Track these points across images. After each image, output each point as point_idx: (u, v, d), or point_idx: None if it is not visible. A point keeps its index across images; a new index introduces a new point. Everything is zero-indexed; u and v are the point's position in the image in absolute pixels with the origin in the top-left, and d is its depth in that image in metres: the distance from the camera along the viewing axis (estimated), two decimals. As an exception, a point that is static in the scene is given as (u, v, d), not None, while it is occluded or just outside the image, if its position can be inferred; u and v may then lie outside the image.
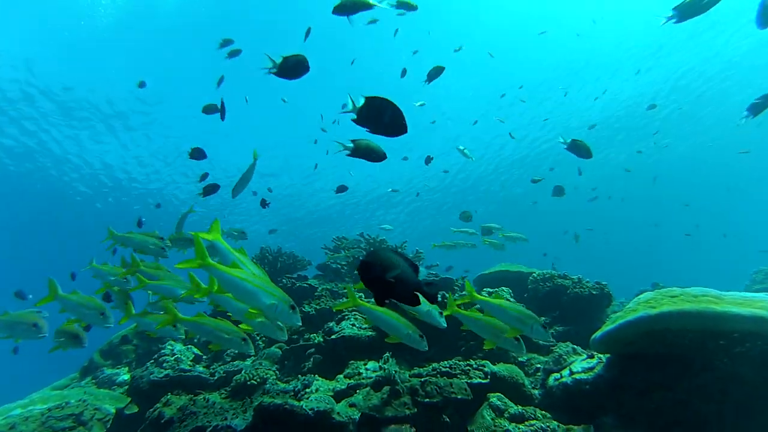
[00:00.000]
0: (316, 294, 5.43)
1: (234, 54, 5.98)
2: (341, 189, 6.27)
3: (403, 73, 7.32)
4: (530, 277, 5.56)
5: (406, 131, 2.26)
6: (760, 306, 2.40)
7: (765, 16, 2.99)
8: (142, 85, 8.31)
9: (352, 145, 2.60)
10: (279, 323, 2.50)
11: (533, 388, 3.71)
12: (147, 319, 3.26)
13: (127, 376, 5.01)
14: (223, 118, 4.75)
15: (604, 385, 2.94)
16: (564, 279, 5.12)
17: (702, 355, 2.63)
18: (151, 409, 3.42)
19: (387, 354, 3.46)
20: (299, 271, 6.35)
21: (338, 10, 3.13)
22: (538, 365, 4.08)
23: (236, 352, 4.55)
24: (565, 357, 3.78)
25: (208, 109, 5.15)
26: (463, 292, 4.03)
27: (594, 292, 4.77)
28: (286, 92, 13.83)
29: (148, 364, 4.55)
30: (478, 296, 2.78)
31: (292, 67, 2.62)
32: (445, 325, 2.73)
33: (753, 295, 2.65)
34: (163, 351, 4.65)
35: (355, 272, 6.76)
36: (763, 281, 9.00)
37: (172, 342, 4.95)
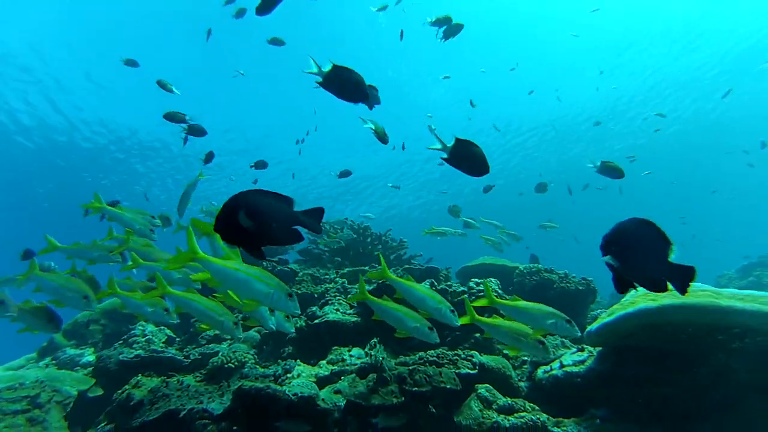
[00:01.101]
0: (297, 278, 5.25)
1: (240, 14, 5.72)
2: (344, 174, 6.09)
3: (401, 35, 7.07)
4: (516, 271, 5.52)
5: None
6: (762, 302, 2.37)
7: None
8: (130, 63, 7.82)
9: (448, 145, 2.25)
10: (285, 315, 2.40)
11: (520, 380, 3.65)
12: (134, 299, 2.96)
13: (92, 357, 4.71)
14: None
15: (596, 378, 2.89)
16: (550, 273, 5.09)
17: (698, 350, 2.60)
18: (120, 391, 3.18)
19: (375, 339, 3.32)
20: (280, 255, 6.13)
21: None
22: (525, 357, 4.02)
23: (213, 334, 4.33)
24: (554, 350, 3.73)
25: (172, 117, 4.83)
26: (466, 298, 3.92)
27: (580, 288, 4.75)
28: (270, 62, 13.57)
29: (117, 344, 4.28)
30: (498, 300, 2.67)
31: (345, 85, 2.23)
32: (458, 323, 2.57)
33: (751, 291, 2.63)
34: (133, 332, 4.38)
35: (337, 259, 6.59)
36: (726, 286, 9.29)
37: (144, 323, 4.69)
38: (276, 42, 6.25)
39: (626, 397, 2.86)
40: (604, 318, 2.72)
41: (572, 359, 3.14)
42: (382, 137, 2.97)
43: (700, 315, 2.30)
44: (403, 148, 7.29)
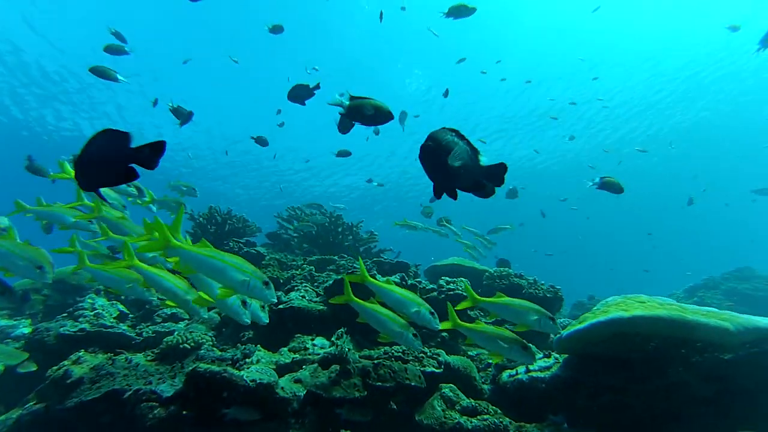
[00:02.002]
0: (263, 262, 5.05)
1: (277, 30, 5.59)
2: (343, 153, 5.98)
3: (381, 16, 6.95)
4: (486, 273, 5.52)
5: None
6: (725, 318, 2.42)
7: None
8: (155, 103, 7.34)
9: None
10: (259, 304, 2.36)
11: (484, 382, 3.62)
12: (107, 272, 2.69)
13: (28, 330, 4.32)
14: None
15: (560, 384, 2.89)
16: (520, 279, 5.12)
17: (659, 361, 2.63)
18: (55, 368, 2.90)
19: (341, 330, 3.20)
20: (248, 236, 5.90)
21: None
22: (490, 360, 4.01)
23: (170, 313, 4.08)
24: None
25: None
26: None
27: (548, 295, 4.79)
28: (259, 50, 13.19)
29: (60, 317, 3.95)
30: (480, 298, 2.64)
31: (365, 112, 2.35)
32: (439, 327, 2.50)
33: (711, 308, 2.70)
34: (80, 304, 4.07)
35: (305, 246, 6.41)
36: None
37: (94, 295, 4.37)
38: (277, 29, 5.96)
39: (586, 404, 2.88)
40: (576, 325, 2.72)
41: (538, 365, 3.13)
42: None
43: (668, 327, 2.32)
44: (377, 133, 7.16)
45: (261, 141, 5.93)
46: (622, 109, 17.20)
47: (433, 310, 2.51)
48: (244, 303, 2.35)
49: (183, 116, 4.36)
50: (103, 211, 2.92)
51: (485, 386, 3.56)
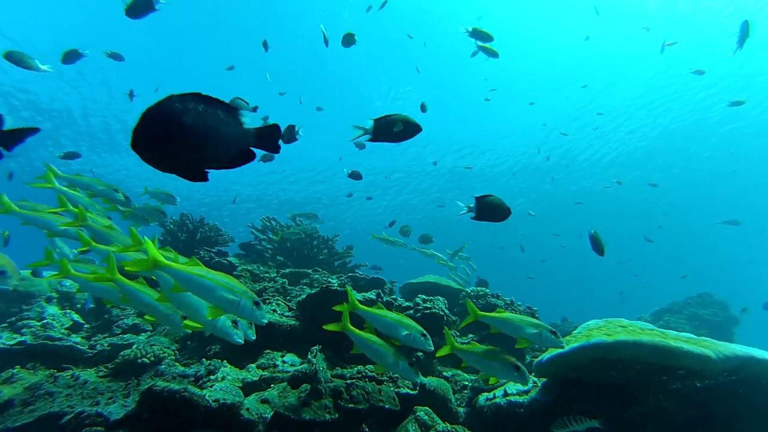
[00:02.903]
0: (235, 273, 4.84)
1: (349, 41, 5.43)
2: (355, 176, 5.91)
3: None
4: (463, 292, 5.45)
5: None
6: (706, 346, 2.40)
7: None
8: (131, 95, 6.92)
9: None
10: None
11: (459, 405, 3.51)
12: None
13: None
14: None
15: (538, 409, 2.80)
16: (497, 299, 5.07)
17: (639, 388, 2.59)
18: (-18, 387, 2.60)
19: (316, 347, 3.04)
20: (220, 246, 5.66)
21: None
22: (466, 382, 3.90)
23: (131, 324, 3.80)
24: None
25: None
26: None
27: (524, 316, 4.75)
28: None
29: None
30: (482, 313, 2.57)
31: (395, 131, 2.35)
32: (431, 348, 2.41)
33: (689, 335, 2.69)
34: (26, 314, 3.74)
35: (279, 258, 6.21)
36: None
37: (44, 303, 4.04)
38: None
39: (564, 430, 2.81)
40: (556, 349, 2.65)
41: (516, 389, 3.05)
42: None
43: (651, 354, 2.28)
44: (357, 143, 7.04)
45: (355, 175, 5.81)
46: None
47: (425, 332, 2.42)
48: (234, 323, 2.21)
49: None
50: (88, 219, 2.69)
51: (460, 409, 3.44)
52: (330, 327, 2.52)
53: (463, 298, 5.39)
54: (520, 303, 4.99)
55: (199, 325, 2.21)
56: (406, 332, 2.40)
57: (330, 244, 6.85)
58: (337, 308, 2.56)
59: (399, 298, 4.63)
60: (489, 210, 2.53)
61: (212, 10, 12.29)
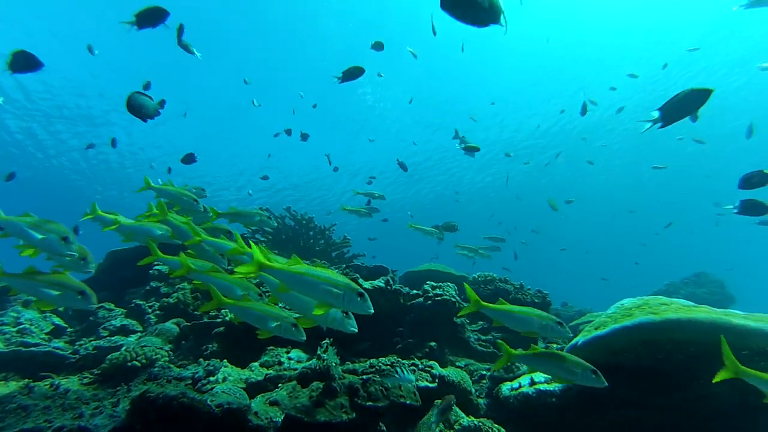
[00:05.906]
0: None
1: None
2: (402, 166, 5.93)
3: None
4: (471, 277, 5.23)
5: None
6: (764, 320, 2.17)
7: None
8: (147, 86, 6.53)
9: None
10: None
11: (479, 396, 3.28)
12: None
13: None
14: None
15: (575, 399, 2.57)
16: (506, 284, 4.85)
17: (686, 372, 2.36)
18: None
19: (326, 341, 2.76)
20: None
21: None
22: (483, 372, 3.68)
23: (118, 326, 3.46)
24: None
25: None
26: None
27: (536, 300, 4.54)
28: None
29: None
30: (485, 304, 2.37)
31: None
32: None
33: (739, 312, 2.47)
34: (1, 318, 3.39)
35: (275, 251, 5.90)
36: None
37: (20, 308, 3.69)
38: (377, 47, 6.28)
39: (600, 419, 2.59)
40: (593, 331, 2.42)
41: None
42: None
43: (709, 332, 2.03)
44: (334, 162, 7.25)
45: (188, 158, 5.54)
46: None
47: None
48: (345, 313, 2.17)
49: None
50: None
51: (480, 400, 3.22)
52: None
53: (472, 283, 5.17)
54: (530, 287, 4.77)
55: (311, 322, 2.23)
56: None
57: (327, 234, 6.57)
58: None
59: (404, 288, 4.38)
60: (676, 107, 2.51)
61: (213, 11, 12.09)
